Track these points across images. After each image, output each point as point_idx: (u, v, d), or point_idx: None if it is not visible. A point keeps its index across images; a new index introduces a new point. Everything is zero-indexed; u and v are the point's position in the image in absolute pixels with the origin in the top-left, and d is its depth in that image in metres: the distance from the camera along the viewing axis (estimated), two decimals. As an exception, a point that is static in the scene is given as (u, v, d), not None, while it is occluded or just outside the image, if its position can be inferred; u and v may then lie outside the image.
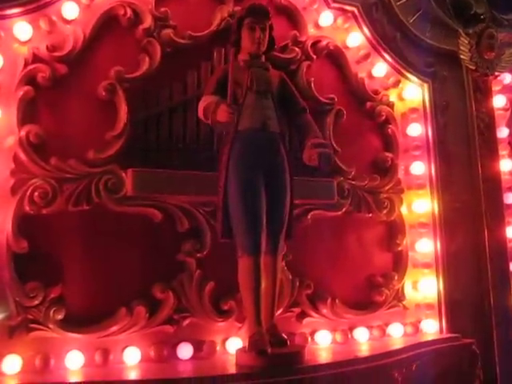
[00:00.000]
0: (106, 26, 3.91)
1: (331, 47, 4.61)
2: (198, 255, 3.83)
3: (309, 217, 4.27)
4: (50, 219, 3.53)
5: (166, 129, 3.92)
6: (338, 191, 4.36)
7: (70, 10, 3.73)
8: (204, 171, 3.82)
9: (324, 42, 4.58)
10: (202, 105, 3.51)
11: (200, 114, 3.53)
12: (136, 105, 3.85)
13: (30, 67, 3.60)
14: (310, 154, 3.51)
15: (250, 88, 3.61)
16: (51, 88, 3.67)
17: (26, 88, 3.56)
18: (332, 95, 4.54)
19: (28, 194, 3.43)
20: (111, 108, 3.80)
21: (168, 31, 4.02)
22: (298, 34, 4.46)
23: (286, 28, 4.52)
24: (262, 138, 3.56)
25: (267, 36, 3.75)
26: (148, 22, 3.96)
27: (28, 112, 3.57)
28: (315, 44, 4.57)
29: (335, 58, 4.69)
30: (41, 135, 3.54)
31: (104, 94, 3.78)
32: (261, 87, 3.63)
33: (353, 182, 4.50)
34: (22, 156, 3.48)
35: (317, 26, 4.63)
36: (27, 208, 3.43)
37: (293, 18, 4.56)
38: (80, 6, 3.78)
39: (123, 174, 3.71)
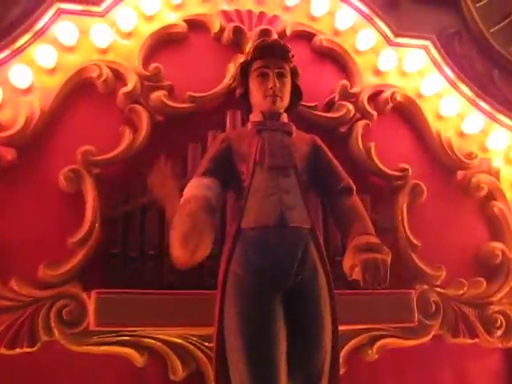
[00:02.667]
0: (75, 93, 2.93)
1: (399, 98, 3.36)
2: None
3: (374, 349, 2.87)
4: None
5: (155, 229, 2.74)
6: (420, 307, 2.99)
7: (23, 76, 2.79)
8: (205, 289, 2.58)
9: (388, 93, 3.33)
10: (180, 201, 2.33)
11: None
12: (110, 197, 2.80)
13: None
14: (351, 263, 2.14)
15: (260, 163, 2.36)
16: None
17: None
18: (404, 165, 3.23)
19: None
20: (75, 203, 2.76)
21: (159, 94, 2.95)
22: (348, 85, 3.25)
23: (332, 77, 3.35)
24: (279, 239, 2.25)
25: (288, 85, 2.53)
26: (132, 83, 2.91)
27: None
28: (375, 96, 3.36)
29: (406, 112, 3.44)
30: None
31: (65, 183, 2.74)
32: (276, 161, 2.36)
33: (443, 291, 3.14)
34: None
35: (376, 71, 3.42)
36: None
37: (341, 63, 3.38)
38: (38, 70, 2.84)
39: (86, 298, 2.56)
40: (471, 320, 3.08)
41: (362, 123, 3.21)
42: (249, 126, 2.53)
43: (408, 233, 3.08)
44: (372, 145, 3.18)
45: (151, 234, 2.75)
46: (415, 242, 3.07)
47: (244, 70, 2.58)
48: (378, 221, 3.00)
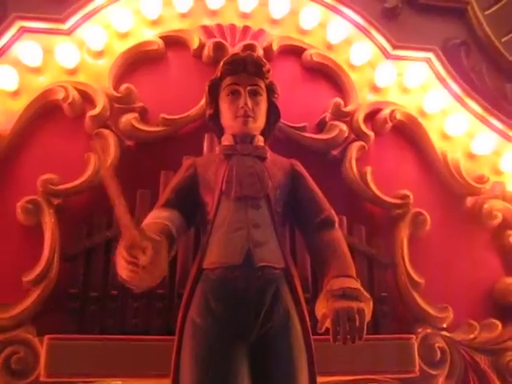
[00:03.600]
0: (40, 117, 2.71)
1: (399, 117, 3.00)
2: None
3: None
4: None
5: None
6: (423, 354, 2.60)
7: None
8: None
9: (386, 111, 2.99)
10: None
11: None
12: (72, 231, 2.53)
13: None
14: (323, 312, 1.82)
15: (226, 192, 2.07)
16: None
17: None
18: (405, 191, 2.87)
19: None
20: (33, 237, 2.51)
21: (129, 117, 2.70)
22: (342, 103, 2.94)
23: (325, 95, 3.04)
24: (244, 282, 1.94)
25: (262, 104, 2.25)
26: (100, 105, 2.67)
27: None
28: (372, 115, 3.03)
29: (407, 132, 3.08)
30: None
31: (23, 216, 2.50)
32: (244, 190, 2.07)
33: (450, 336, 2.74)
34: None
35: (373, 87, 3.10)
36: None
37: (334, 79, 3.07)
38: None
39: (38, 345, 2.29)
40: (483, 369, 2.66)
41: (356, 145, 2.88)
42: (217, 150, 2.25)
43: (409, 268, 2.70)
44: (368, 169, 2.84)
45: (115, 272, 2.45)
46: (417, 278, 2.70)
47: (213, 89, 2.32)
48: (374, 255, 2.72)
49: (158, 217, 2.04)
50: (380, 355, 2.47)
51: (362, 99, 3.01)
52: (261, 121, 2.26)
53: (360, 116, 2.94)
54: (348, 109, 2.93)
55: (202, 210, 2.12)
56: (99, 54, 2.83)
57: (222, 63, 2.31)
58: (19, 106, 2.67)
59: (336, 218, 2.15)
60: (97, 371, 2.28)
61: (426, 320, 2.65)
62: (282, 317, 1.94)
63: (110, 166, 1.90)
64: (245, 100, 2.19)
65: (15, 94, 2.70)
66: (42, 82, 2.75)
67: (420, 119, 3.02)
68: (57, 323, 2.36)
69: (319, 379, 2.33)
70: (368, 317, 1.78)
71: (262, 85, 2.28)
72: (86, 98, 2.74)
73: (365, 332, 1.71)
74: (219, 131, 2.35)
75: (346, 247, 2.06)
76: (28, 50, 2.67)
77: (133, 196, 2.58)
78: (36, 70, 2.74)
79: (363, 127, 2.92)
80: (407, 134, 3.05)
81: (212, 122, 2.36)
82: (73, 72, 2.78)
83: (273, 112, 2.35)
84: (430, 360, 2.57)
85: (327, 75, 3.04)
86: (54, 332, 2.32)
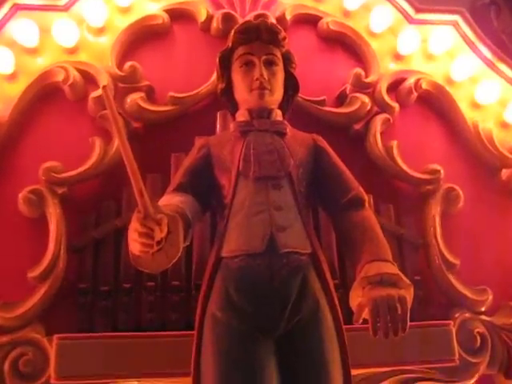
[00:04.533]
0: (39, 101, 2.54)
1: (425, 86, 2.82)
2: None
3: None
4: None
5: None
6: (462, 340, 2.41)
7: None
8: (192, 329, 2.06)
9: (411, 80, 2.80)
10: None
11: None
12: (78, 221, 2.37)
13: None
14: (359, 301, 1.62)
15: (244, 173, 1.88)
16: None
17: None
18: (435, 165, 2.68)
19: None
20: (38, 230, 2.35)
21: (135, 96, 2.51)
22: (363, 73, 2.75)
23: (344, 66, 2.84)
24: (267, 271, 1.74)
25: (279, 74, 2.04)
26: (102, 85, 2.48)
27: None
28: (396, 85, 2.84)
29: (434, 102, 2.89)
30: None
31: (25, 207, 2.34)
32: (264, 170, 1.87)
33: (490, 320, 2.55)
34: None
35: (396, 56, 2.91)
36: None
37: (353, 49, 2.87)
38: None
39: (47, 345, 2.13)
40: (529, 356, 2.48)
41: (380, 118, 2.70)
42: (231, 127, 2.06)
43: (443, 249, 2.53)
44: (394, 143, 2.66)
45: (126, 263, 2.29)
46: (452, 259, 2.52)
47: (225, 60, 2.12)
48: (404, 235, 2.53)
49: (170, 202, 1.85)
50: (416, 344, 2.27)
51: (384, 69, 2.82)
52: (278, 93, 2.06)
53: (383, 87, 2.75)
54: (369, 79, 2.74)
55: (218, 193, 1.93)
56: (100, 31, 2.65)
57: (233, 32, 2.10)
58: (17, 90, 2.50)
59: (365, 197, 1.94)
60: (111, 371, 2.12)
61: (464, 304, 2.48)
62: (311, 308, 1.75)
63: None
64: (260, 71, 1.98)
65: (12, 78, 2.53)
66: (40, 63, 2.58)
67: (447, 88, 2.84)
68: (66, 321, 2.22)
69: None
70: (409, 304, 1.59)
71: (278, 54, 2.07)
72: (88, 79, 2.57)
73: (408, 323, 1.53)
74: (233, 107, 2.14)
75: (378, 228, 1.85)
76: (23, 28, 2.49)
77: (142, 180, 2.42)
78: (33, 51, 2.56)
79: (387, 98, 2.73)
80: (434, 105, 2.85)
81: (225, 97, 2.15)
82: (73, 51, 2.60)
83: (290, 83, 2.14)
84: (469, 347, 2.40)
85: (345, 44, 2.86)
86: (64, 330, 2.17)
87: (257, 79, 1.98)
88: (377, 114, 2.71)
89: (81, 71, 2.55)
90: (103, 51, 2.61)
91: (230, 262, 1.79)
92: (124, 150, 1.41)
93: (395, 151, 2.64)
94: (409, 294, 1.60)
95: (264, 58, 2.02)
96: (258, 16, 2.67)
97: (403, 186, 2.66)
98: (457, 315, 2.45)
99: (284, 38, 2.10)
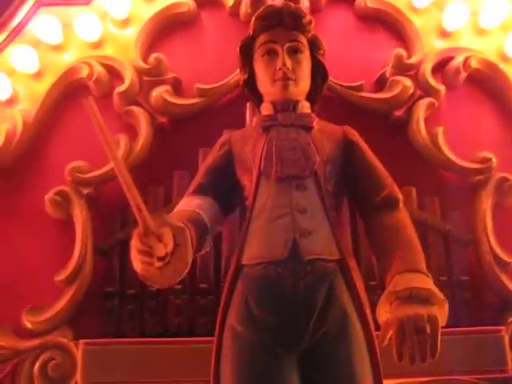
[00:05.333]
0: (65, 99, 2.49)
1: (475, 65, 2.52)
2: None
3: None
4: None
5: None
6: None
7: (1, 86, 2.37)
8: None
9: (459, 59, 2.51)
10: None
11: None
12: (105, 222, 2.33)
13: None
14: (385, 318, 1.46)
15: (266, 172, 1.73)
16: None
17: None
18: (486, 153, 2.41)
19: None
20: (64, 232, 2.31)
21: (161, 90, 2.40)
22: (404, 54, 2.50)
23: (384, 46, 2.60)
24: (290, 280, 1.61)
25: (305, 62, 1.87)
26: (128, 80, 2.40)
27: None
28: (442, 65, 2.56)
29: (485, 82, 2.59)
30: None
31: (52, 209, 2.31)
32: (287, 169, 1.72)
33: None
34: None
35: (442, 32, 2.62)
36: None
37: (394, 27, 2.61)
38: (19, 76, 2.43)
39: (74, 349, 2.09)
40: None
41: (424, 102, 2.45)
42: (254, 121, 1.92)
43: (494, 245, 2.28)
44: (439, 130, 2.41)
45: (154, 266, 2.23)
46: (505, 257, 2.27)
47: (246, 50, 1.96)
48: (451, 231, 2.32)
49: (187, 205, 1.74)
50: (461, 352, 2.07)
51: (429, 48, 2.55)
52: (304, 83, 1.88)
53: (427, 68, 2.49)
54: (412, 60, 2.50)
55: (240, 194, 1.80)
56: (124, 23, 2.55)
57: (254, 18, 1.93)
58: (43, 88, 2.46)
59: (400, 196, 1.74)
60: (138, 378, 2.06)
61: None
62: (338, 318, 1.59)
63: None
64: (283, 60, 1.81)
65: (37, 76, 2.48)
66: (66, 59, 2.51)
67: (501, 66, 2.53)
68: (93, 325, 2.19)
69: (387, 382, 2.05)
70: (442, 324, 1.41)
71: (304, 40, 1.88)
72: (113, 73, 2.49)
73: (439, 346, 1.35)
74: (257, 99, 1.99)
75: (413, 232, 1.66)
76: (46, 25, 2.43)
77: (169, 178, 2.33)
78: (57, 47, 2.51)
79: (431, 81, 2.47)
80: (486, 85, 2.57)
81: (248, 89, 2.00)
82: (97, 45, 2.53)
83: (319, 71, 1.96)
84: None
85: (385, 23, 2.61)
86: (91, 334, 2.15)
87: (279, 69, 1.80)
88: (420, 98, 2.46)
89: (105, 66, 2.47)
90: (128, 44, 2.51)
91: (251, 270, 1.65)
92: (116, 164, 1.33)
93: (441, 138, 2.40)
94: (442, 312, 1.42)
95: (287, 45, 1.84)
96: (287, -4, 2.50)
97: (450, 177, 2.43)
98: (510, 320, 2.21)
99: (310, 22, 1.91)
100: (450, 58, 2.53)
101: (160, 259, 1.39)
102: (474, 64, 2.50)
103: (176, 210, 1.75)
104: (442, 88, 2.49)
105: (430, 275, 1.51)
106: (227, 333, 1.64)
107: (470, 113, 2.54)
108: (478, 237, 2.32)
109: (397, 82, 2.46)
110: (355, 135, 1.88)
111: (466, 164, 2.39)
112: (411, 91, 2.46)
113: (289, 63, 1.81)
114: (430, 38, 2.58)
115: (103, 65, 2.47)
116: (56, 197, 2.29)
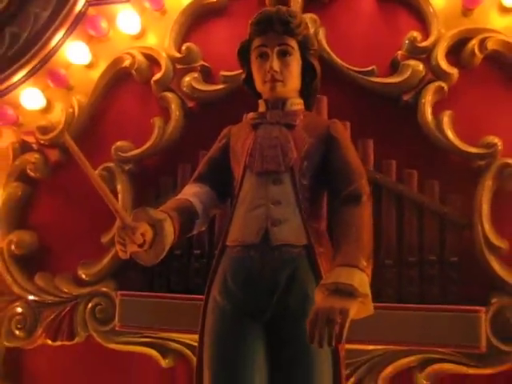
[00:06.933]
0: (113, 86, 2.89)
1: (491, 46, 2.47)
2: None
3: (424, 373, 2.33)
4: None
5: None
6: (497, 327, 2.30)
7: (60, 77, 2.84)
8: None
9: (475, 40, 2.48)
10: None
11: None
12: (142, 194, 2.74)
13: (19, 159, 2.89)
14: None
15: (250, 167, 2.01)
16: (41, 182, 2.89)
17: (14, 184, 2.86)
18: (491, 138, 2.41)
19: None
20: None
21: (190, 77, 2.70)
22: (416, 37, 2.53)
23: (398, 29, 2.63)
24: (259, 262, 1.91)
25: (293, 64, 2.06)
26: (164, 68, 2.72)
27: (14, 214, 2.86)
28: (459, 47, 2.53)
29: (503, 64, 2.54)
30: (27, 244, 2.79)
31: (100, 183, 2.73)
32: (265, 164, 1.98)
33: None
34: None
35: (463, 12, 2.57)
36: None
37: (411, 8, 2.62)
38: (75, 68, 2.87)
39: (115, 298, 2.61)
40: None
41: (432, 87, 2.47)
42: (247, 118, 2.17)
43: (487, 229, 2.32)
44: (445, 114, 2.44)
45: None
46: (496, 242, 2.32)
47: (244, 51, 2.19)
48: (448, 215, 2.40)
49: (185, 193, 2.08)
50: (444, 327, 2.25)
51: (446, 28, 2.51)
52: (292, 83, 2.07)
53: (440, 51, 2.48)
54: (424, 43, 2.51)
55: (232, 184, 2.11)
56: (160, 15, 2.84)
57: (250, 23, 2.15)
58: (94, 77, 2.86)
59: (365, 191, 1.89)
60: (162, 325, 2.51)
61: (503, 290, 2.30)
62: (299, 298, 1.86)
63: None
64: (271, 63, 2.02)
65: (91, 66, 2.88)
66: (113, 50, 2.86)
67: (519, 49, 2.44)
68: (132, 279, 2.64)
69: (367, 346, 2.30)
70: (360, 316, 1.64)
71: (293, 43, 2.05)
72: (152, 62, 2.81)
73: (344, 336, 1.58)
74: (256, 96, 2.23)
75: (366, 228, 1.82)
76: (95, 22, 2.79)
77: (195, 158, 2.66)
78: (105, 40, 2.88)
79: (443, 64, 2.47)
80: (503, 67, 2.51)
81: (247, 87, 2.25)
82: (139, 37, 2.85)
83: (309, 70, 2.15)
84: (504, 335, 2.26)
85: (401, 3, 2.62)
86: (131, 287, 2.61)
87: (268, 71, 2.03)
88: (430, 82, 2.48)
89: (146, 55, 2.80)
90: (164, 34, 2.78)
91: (231, 250, 1.97)
92: (94, 180, 1.72)
93: (445, 122, 2.43)
94: (366, 303, 1.64)
95: (277, 49, 2.02)
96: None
97: (453, 161, 2.46)
98: (493, 301, 2.30)
99: (298, 26, 2.05)
100: (467, 40, 2.48)
101: (140, 246, 1.78)
102: (490, 45, 2.43)
103: (179, 195, 2.09)
104: (454, 72, 2.47)
105: (367, 271, 1.70)
106: (211, 300, 1.99)
107: (484, 97, 2.50)
108: (474, 221, 2.36)
109: (407, 66, 2.51)
110: (338, 130, 2.04)
111: (468, 148, 2.41)
112: (422, 75, 2.49)
113: (277, 66, 2.01)
114: (448, 18, 2.53)
115: (144, 54, 2.79)
116: (103, 172, 2.73)
